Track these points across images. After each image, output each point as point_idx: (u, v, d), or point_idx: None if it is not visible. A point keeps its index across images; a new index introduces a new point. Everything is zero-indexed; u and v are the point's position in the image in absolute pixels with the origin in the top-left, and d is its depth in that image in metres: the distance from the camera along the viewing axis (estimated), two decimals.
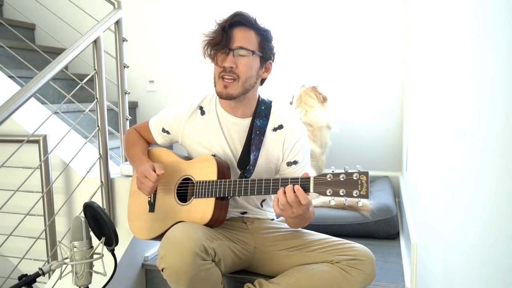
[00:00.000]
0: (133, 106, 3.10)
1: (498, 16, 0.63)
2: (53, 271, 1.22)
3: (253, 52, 1.37)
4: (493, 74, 0.65)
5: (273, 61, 1.46)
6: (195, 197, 1.39)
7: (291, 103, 2.43)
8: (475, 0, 0.78)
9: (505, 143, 0.58)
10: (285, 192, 1.21)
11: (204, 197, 1.37)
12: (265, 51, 1.40)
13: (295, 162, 1.44)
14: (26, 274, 1.17)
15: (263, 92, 1.52)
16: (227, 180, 1.35)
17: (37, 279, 1.18)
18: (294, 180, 1.24)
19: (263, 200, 1.56)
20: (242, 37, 1.36)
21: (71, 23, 2.31)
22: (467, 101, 0.81)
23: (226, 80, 1.36)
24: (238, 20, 1.37)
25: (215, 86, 1.41)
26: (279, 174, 1.49)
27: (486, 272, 0.67)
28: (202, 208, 1.37)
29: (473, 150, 0.76)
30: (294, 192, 1.20)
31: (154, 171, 1.37)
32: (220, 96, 1.40)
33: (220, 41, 1.36)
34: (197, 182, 1.40)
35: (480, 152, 0.71)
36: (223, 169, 1.40)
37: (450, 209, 0.94)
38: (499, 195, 0.61)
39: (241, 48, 1.35)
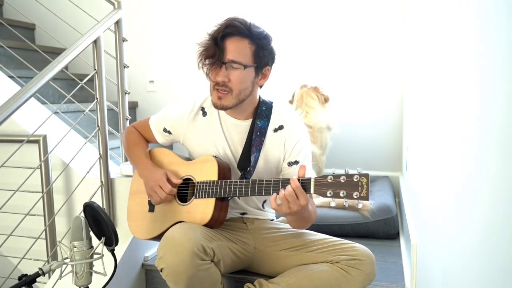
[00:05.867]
0: (133, 106, 3.10)
1: (498, 15, 0.63)
2: (53, 271, 1.22)
3: (245, 66, 1.33)
4: (492, 74, 0.65)
5: (271, 66, 1.42)
6: (195, 198, 1.39)
7: (291, 102, 2.43)
8: (473, 1, 0.78)
9: (504, 143, 0.58)
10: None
11: (204, 197, 1.37)
12: (260, 59, 1.36)
13: (296, 162, 1.44)
14: (26, 274, 1.17)
15: (264, 92, 1.52)
16: (228, 180, 1.35)
17: (37, 279, 1.18)
18: None
19: (265, 201, 1.56)
20: (234, 49, 1.32)
21: (71, 23, 2.31)
22: (467, 101, 0.81)
23: (220, 92, 1.36)
24: (230, 31, 1.32)
25: (211, 95, 1.41)
26: (281, 174, 1.49)
27: (486, 272, 0.67)
28: (202, 208, 1.37)
29: (472, 150, 0.76)
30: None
31: (167, 180, 1.38)
32: (215, 107, 1.39)
33: (213, 54, 1.32)
34: (197, 182, 1.40)
35: (479, 152, 0.71)
36: (224, 170, 1.40)
37: (450, 209, 0.94)
38: (499, 195, 0.61)
39: (233, 61, 1.32)
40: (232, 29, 1.32)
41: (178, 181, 1.39)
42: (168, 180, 1.39)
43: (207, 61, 1.35)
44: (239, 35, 1.33)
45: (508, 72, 0.57)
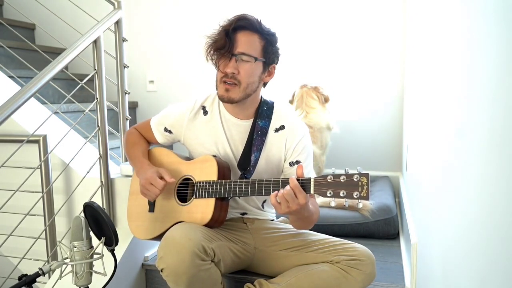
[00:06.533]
0: (133, 106, 3.10)
1: (489, 17, 0.63)
2: (53, 271, 1.22)
3: (255, 59, 1.35)
4: (486, 73, 0.65)
5: (276, 64, 1.45)
6: (195, 198, 1.39)
7: (291, 102, 2.43)
8: (470, 2, 0.78)
9: (503, 143, 0.58)
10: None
11: (204, 197, 1.37)
12: (268, 55, 1.39)
13: (297, 162, 1.44)
14: (26, 274, 1.17)
15: (265, 92, 1.52)
16: (228, 180, 1.35)
17: (37, 279, 1.18)
18: None
19: (264, 201, 1.56)
20: (245, 42, 1.35)
21: (71, 23, 2.31)
22: (466, 101, 0.81)
23: (228, 84, 1.36)
24: (242, 25, 1.35)
25: (216, 89, 1.41)
26: (282, 174, 1.49)
27: (485, 272, 0.67)
28: (202, 208, 1.37)
29: (472, 150, 0.76)
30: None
31: (161, 178, 1.37)
32: (222, 99, 1.40)
33: (223, 46, 1.34)
34: (197, 182, 1.40)
35: (479, 152, 0.71)
36: (223, 170, 1.40)
37: (450, 209, 0.94)
38: (499, 195, 0.61)
39: (244, 54, 1.34)
40: (245, 22, 1.35)
41: (171, 180, 1.37)
42: (162, 178, 1.38)
43: (216, 53, 1.36)
44: (250, 29, 1.36)
45: (501, 71, 0.57)
